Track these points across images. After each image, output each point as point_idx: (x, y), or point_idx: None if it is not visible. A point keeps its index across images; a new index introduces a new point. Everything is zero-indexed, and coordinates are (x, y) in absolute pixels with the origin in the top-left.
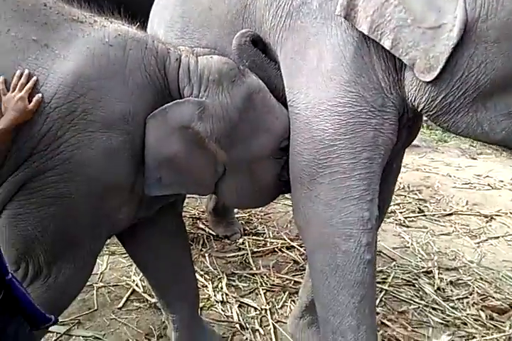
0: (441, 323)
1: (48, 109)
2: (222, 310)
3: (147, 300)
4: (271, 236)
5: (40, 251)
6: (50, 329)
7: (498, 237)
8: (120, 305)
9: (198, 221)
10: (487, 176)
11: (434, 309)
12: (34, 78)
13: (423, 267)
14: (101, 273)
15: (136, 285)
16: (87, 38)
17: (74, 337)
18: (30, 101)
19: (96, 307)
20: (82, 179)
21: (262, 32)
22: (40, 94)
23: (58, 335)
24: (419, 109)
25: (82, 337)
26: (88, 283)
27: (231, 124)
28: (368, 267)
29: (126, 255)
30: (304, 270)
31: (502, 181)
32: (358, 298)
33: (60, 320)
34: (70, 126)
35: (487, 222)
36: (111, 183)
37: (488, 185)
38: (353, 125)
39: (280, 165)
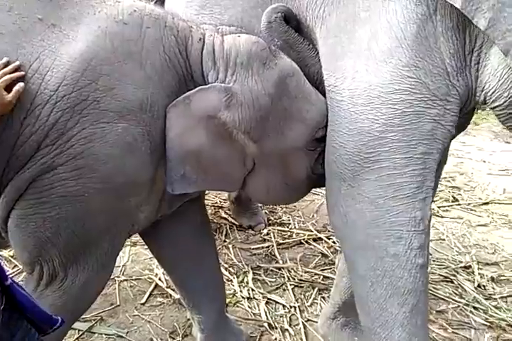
0: (484, 325)
1: (55, 98)
2: (248, 306)
3: (170, 295)
4: (296, 226)
5: (54, 253)
6: (72, 326)
7: None
8: (143, 300)
9: (220, 210)
10: None
11: (475, 308)
12: (21, 73)
13: (461, 261)
14: (123, 265)
15: (159, 279)
16: (98, 15)
17: (96, 335)
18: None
19: (118, 303)
20: (96, 176)
21: (297, 6)
22: (21, 83)
23: (80, 333)
24: (492, 104)
25: (105, 335)
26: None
27: (262, 113)
28: (420, 273)
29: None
30: (333, 264)
31: None
32: (409, 308)
33: (82, 316)
34: (80, 116)
35: None
36: (128, 180)
37: None
38: (409, 115)
39: (314, 158)
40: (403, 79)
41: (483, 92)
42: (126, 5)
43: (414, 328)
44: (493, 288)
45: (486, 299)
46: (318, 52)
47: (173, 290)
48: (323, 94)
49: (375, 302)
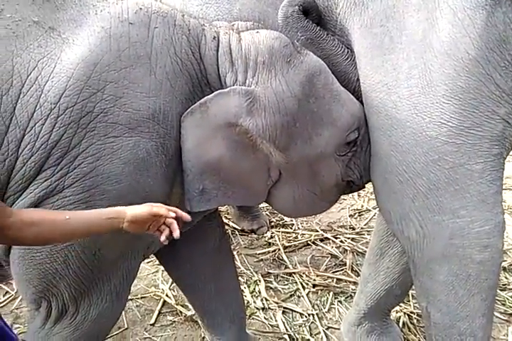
0: (502, 318)
1: (57, 111)
2: (265, 318)
3: (181, 312)
4: (300, 227)
5: (63, 286)
6: None
7: None
8: (152, 320)
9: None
10: None
11: None
12: None
13: None
14: None
15: (167, 295)
16: (100, 15)
17: None
18: None
19: (126, 326)
20: (107, 197)
21: None
22: None
23: None
24: None
25: None
26: None
27: (288, 118)
28: (500, 268)
29: (150, 260)
30: (344, 265)
31: None
32: (490, 299)
33: None
34: (86, 131)
35: None
36: (143, 199)
37: None
38: (481, 116)
39: (344, 164)
40: (471, 75)
41: None
42: (131, 3)
43: (491, 313)
44: (506, 278)
45: (501, 290)
46: (345, 49)
47: (183, 306)
48: (353, 93)
49: (456, 301)
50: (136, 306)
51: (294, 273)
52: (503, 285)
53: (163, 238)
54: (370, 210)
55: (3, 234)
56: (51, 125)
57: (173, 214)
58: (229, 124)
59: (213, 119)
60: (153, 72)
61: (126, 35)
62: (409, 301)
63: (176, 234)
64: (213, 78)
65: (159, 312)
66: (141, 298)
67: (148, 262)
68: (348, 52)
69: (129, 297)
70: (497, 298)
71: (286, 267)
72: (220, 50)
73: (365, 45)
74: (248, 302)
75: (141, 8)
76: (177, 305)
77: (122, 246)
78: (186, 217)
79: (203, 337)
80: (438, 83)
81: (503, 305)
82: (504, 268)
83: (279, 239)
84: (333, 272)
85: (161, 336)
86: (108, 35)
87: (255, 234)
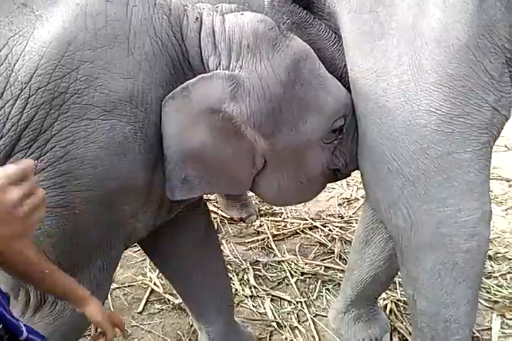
0: (487, 305)
1: (28, 91)
2: (253, 305)
3: (169, 300)
4: (289, 216)
5: None
6: None
7: None
8: (140, 308)
9: (207, 203)
10: (501, 136)
11: None
12: None
13: None
14: None
15: (154, 283)
16: None
17: None
18: None
19: None
20: (82, 183)
21: None
22: None
23: None
24: None
25: None
26: None
27: (274, 104)
28: (486, 256)
29: (138, 249)
30: (332, 253)
31: None
32: (476, 287)
33: None
34: (59, 113)
35: (510, 186)
36: (121, 186)
37: (505, 146)
38: (470, 104)
39: (330, 151)
40: (461, 62)
41: None
42: None
43: (475, 300)
44: (492, 266)
45: (486, 278)
46: (332, 34)
47: (171, 294)
48: (340, 79)
49: (442, 289)
50: (124, 294)
51: (283, 261)
52: (489, 273)
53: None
54: (358, 199)
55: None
56: (22, 106)
57: (110, 334)
58: (212, 110)
59: (196, 105)
60: (132, 52)
61: (103, 13)
62: (396, 289)
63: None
64: (196, 61)
65: (147, 301)
66: (129, 286)
67: (136, 251)
68: (335, 37)
69: (116, 285)
70: (482, 285)
71: (275, 255)
72: (202, 32)
73: (353, 30)
74: (237, 290)
75: None
76: (165, 293)
77: (100, 234)
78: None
79: (191, 325)
80: (428, 70)
81: (488, 292)
82: (490, 257)
83: (268, 227)
84: (322, 260)
85: (149, 324)
86: (84, 13)
87: (244, 222)
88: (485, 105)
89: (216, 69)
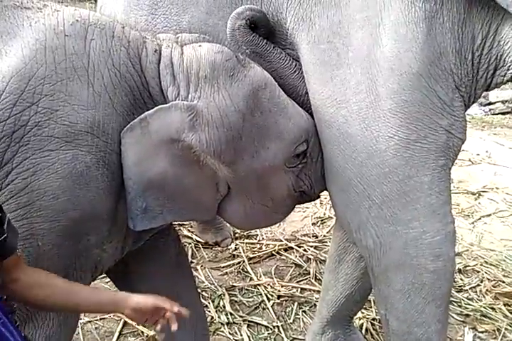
0: (459, 319)
1: None
2: (229, 333)
3: (142, 332)
4: (264, 237)
5: None
6: None
7: (490, 215)
8: None
9: (181, 228)
10: (463, 150)
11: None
12: None
13: None
14: None
15: None
16: (35, 26)
17: None
18: None
19: None
20: (45, 214)
21: (274, 6)
22: None
23: None
24: None
25: None
26: None
27: (233, 132)
28: (453, 275)
29: (108, 279)
30: (308, 274)
31: (479, 155)
32: (445, 305)
33: None
34: (20, 145)
35: (475, 199)
36: (85, 215)
37: (469, 160)
38: (425, 129)
39: (295, 175)
40: (414, 89)
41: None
42: (67, 14)
43: (445, 318)
44: (462, 280)
45: (457, 291)
46: (293, 62)
47: (144, 326)
48: (302, 106)
49: (412, 309)
50: (96, 328)
51: (259, 284)
52: (459, 286)
53: (158, 327)
54: (332, 218)
55: (10, 288)
56: None
57: (176, 309)
58: (171, 140)
59: (154, 135)
60: (91, 84)
61: (62, 48)
62: (371, 307)
63: (175, 327)
64: (156, 91)
65: (120, 334)
66: (100, 319)
67: (108, 282)
68: (296, 65)
69: (88, 319)
70: (453, 299)
71: (251, 279)
72: (161, 64)
73: (313, 60)
74: (212, 318)
75: (77, 20)
76: (138, 325)
77: (65, 266)
78: (185, 314)
79: None
80: (384, 97)
81: (459, 306)
82: (459, 270)
83: (243, 250)
84: (298, 282)
85: None
86: (43, 48)
87: (219, 246)
88: (440, 129)
89: (175, 99)
